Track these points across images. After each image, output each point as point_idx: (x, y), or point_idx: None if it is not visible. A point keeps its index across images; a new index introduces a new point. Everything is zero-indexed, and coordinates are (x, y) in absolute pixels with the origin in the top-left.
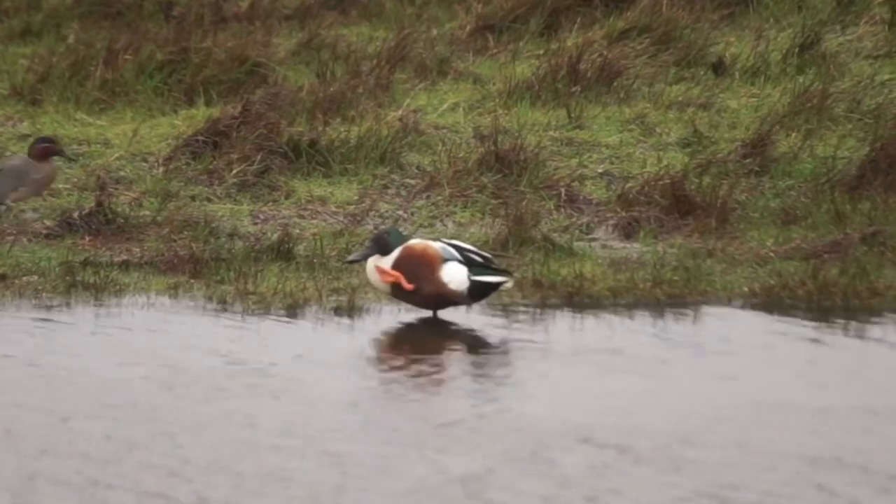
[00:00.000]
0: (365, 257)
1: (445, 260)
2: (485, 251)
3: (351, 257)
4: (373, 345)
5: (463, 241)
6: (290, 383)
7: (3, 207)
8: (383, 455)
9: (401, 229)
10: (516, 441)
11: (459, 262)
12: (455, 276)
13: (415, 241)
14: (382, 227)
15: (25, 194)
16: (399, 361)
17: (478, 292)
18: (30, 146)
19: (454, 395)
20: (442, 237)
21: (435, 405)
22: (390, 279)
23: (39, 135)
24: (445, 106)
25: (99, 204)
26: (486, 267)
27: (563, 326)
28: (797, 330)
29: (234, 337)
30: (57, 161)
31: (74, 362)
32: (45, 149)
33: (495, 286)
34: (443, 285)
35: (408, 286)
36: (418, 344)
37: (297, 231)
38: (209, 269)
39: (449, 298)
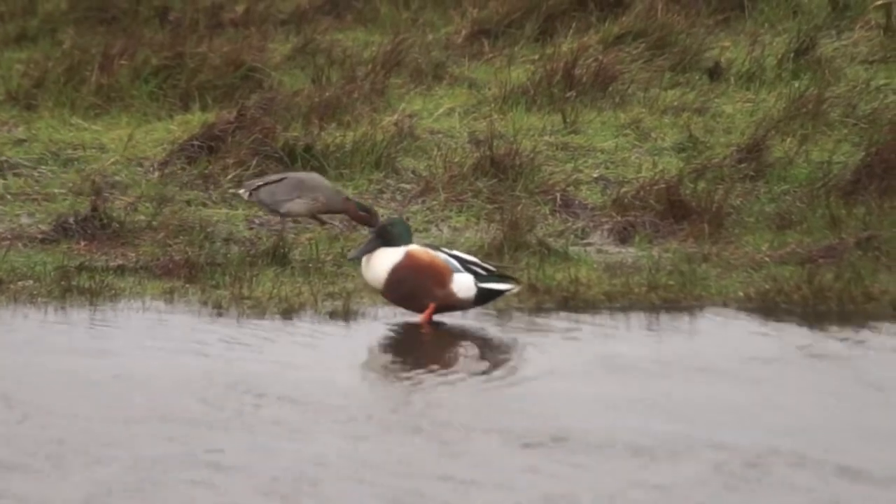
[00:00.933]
0: (367, 253)
1: (453, 271)
2: (488, 263)
3: (352, 254)
4: (371, 350)
5: (461, 251)
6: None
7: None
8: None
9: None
10: (531, 444)
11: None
12: (463, 284)
13: (417, 249)
14: (385, 217)
15: (303, 207)
16: (401, 366)
17: (483, 298)
18: (354, 202)
19: (460, 398)
20: (438, 243)
21: (443, 407)
22: (427, 316)
23: (363, 202)
24: (441, 111)
25: (94, 209)
26: (490, 274)
27: (558, 330)
28: (792, 334)
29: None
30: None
31: None
32: (362, 217)
33: (502, 291)
34: (452, 295)
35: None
36: (418, 348)
37: (293, 236)
38: (204, 273)
39: (454, 306)
